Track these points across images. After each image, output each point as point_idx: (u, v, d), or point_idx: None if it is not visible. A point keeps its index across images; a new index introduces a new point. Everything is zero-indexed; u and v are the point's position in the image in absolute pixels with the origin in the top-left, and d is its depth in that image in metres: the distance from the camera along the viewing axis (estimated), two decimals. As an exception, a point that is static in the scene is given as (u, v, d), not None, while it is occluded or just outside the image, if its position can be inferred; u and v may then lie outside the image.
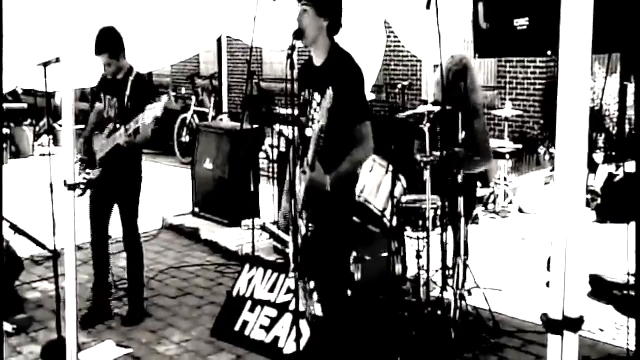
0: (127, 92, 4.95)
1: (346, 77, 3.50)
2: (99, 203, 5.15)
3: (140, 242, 5.34)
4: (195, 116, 12.20)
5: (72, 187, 4.05)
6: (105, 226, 5.23)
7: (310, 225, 3.58)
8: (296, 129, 3.81)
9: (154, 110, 4.57)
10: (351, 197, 3.84)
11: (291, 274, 3.80)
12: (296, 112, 3.74)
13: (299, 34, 3.53)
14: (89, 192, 5.08)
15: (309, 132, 3.55)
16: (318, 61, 3.69)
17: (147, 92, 5.00)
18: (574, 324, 1.97)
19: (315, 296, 4.12)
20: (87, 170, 5.11)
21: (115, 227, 5.28)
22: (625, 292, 5.01)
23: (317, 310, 4.15)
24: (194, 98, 12.52)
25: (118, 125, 4.91)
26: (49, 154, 4.57)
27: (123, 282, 5.81)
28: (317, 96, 3.53)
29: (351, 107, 3.45)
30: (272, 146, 8.00)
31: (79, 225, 4.13)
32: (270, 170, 7.61)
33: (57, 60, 4.22)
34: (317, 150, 3.37)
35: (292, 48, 3.48)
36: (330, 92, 3.19)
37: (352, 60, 3.60)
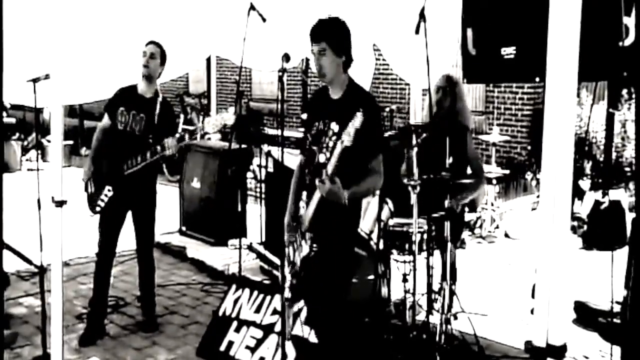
0: (157, 111, 5.09)
1: (370, 110, 3.51)
2: (114, 216, 5.17)
3: (153, 252, 5.46)
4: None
5: (59, 204, 4.04)
6: (116, 241, 5.26)
7: (314, 245, 3.58)
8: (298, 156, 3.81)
9: (219, 120, 4.88)
10: (355, 224, 3.83)
11: (286, 294, 3.79)
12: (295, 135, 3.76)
13: (288, 58, 3.57)
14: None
15: (321, 157, 3.56)
16: (335, 94, 3.73)
17: (174, 114, 5.34)
18: (557, 352, 1.98)
19: (302, 317, 4.11)
20: (106, 190, 5.10)
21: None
22: (610, 319, 5.02)
23: (302, 331, 4.14)
24: (182, 116, 12.52)
25: (151, 140, 4.98)
26: (37, 169, 4.56)
27: (109, 299, 5.80)
28: (334, 126, 3.53)
29: (371, 139, 3.50)
30: (259, 166, 8.01)
31: (66, 241, 4.12)
32: (258, 190, 7.61)
33: (47, 76, 4.24)
34: (337, 166, 3.36)
35: (283, 71, 3.51)
36: (359, 114, 3.20)
37: (370, 95, 3.72)
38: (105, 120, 5.27)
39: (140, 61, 5.12)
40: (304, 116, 4.06)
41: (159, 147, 4.93)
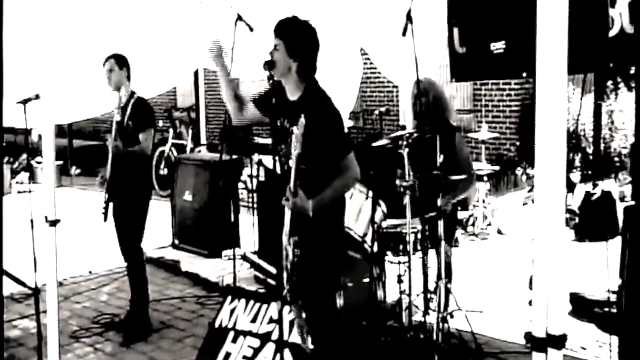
0: (127, 113, 5.27)
1: (323, 113, 3.53)
2: (117, 224, 5.41)
3: (144, 266, 5.50)
4: (173, 148, 12.19)
5: (53, 223, 4.03)
6: (127, 241, 5.40)
7: (296, 250, 3.58)
8: (277, 159, 3.81)
9: None
10: (337, 224, 3.83)
11: (278, 303, 3.78)
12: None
13: (270, 65, 3.58)
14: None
15: (291, 162, 3.58)
16: (292, 96, 3.71)
17: (147, 114, 5.39)
18: (558, 341, 2.00)
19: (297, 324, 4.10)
20: (106, 197, 5.31)
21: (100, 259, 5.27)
22: (606, 309, 5.05)
23: (299, 338, 4.13)
24: (171, 130, 12.50)
25: (117, 144, 5.18)
26: (29, 191, 4.55)
27: (104, 317, 5.79)
28: (295, 130, 3.55)
29: (332, 143, 3.50)
30: (250, 176, 8.02)
31: (60, 260, 4.11)
32: (250, 200, 7.61)
33: (37, 97, 4.24)
34: (297, 177, 3.39)
35: (271, 77, 3.52)
36: (302, 120, 3.22)
37: (328, 98, 3.65)
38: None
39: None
40: None
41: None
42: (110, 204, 5.28)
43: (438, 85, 5.16)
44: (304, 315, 3.90)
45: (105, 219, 5.27)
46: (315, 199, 3.49)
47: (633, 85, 10.78)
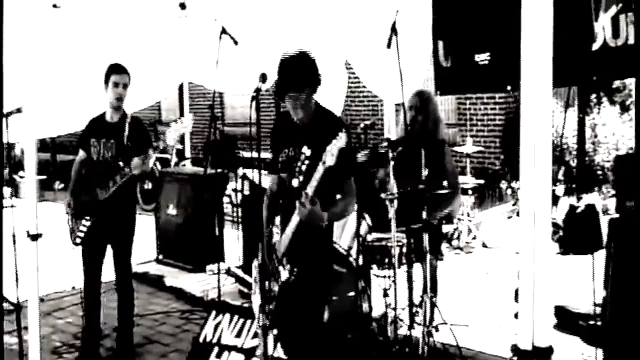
0: (126, 133, 5.03)
1: (347, 133, 3.51)
2: (95, 246, 5.14)
3: (132, 283, 5.36)
4: (157, 163, 12.12)
5: (34, 238, 4.00)
6: (99, 269, 5.21)
7: (294, 270, 3.55)
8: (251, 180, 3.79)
9: (178, 128, 4.77)
10: (331, 243, 3.85)
11: (261, 320, 3.75)
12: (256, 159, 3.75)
13: (265, 78, 3.56)
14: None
15: (295, 182, 3.54)
16: (301, 119, 3.67)
17: (146, 131, 5.18)
18: (544, 354, 1.99)
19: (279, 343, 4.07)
20: (84, 220, 5.09)
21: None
22: (591, 322, 5.05)
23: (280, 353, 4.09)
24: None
25: (121, 164, 4.94)
26: (12, 206, 4.50)
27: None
28: (305, 150, 3.51)
29: (343, 163, 3.44)
30: (235, 190, 8.00)
31: (43, 276, 4.06)
32: (234, 214, 7.59)
33: (19, 110, 4.20)
34: (318, 187, 3.34)
35: (258, 91, 3.50)
36: (343, 135, 3.19)
37: (337, 116, 3.69)
38: (81, 153, 5.26)
39: (111, 91, 5.06)
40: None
41: (127, 169, 4.92)
42: (84, 227, 5.10)
43: (435, 98, 5.16)
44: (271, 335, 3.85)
45: (80, 243, 5.12)
46: (329, 212, 3.48)
47: (615, 99, 10.90)
